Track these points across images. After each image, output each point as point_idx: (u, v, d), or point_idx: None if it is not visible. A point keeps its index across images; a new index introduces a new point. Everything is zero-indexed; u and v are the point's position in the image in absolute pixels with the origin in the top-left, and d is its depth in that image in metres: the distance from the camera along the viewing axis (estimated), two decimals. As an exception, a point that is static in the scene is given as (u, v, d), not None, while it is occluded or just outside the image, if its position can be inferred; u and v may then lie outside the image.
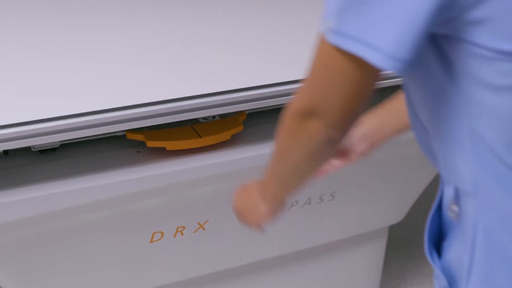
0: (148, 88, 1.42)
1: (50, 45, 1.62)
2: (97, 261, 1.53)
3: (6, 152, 1.43)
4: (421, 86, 0.85)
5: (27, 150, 1.42)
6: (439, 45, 0.79)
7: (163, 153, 1.45)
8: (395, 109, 1.20)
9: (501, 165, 0.80)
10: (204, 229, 1.59)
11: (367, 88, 0.81)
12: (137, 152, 1.48)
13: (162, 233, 1.55)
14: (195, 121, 1.51)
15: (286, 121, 0.91)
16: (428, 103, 0.85)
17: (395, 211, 1.88)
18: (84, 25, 1.75)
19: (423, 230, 1.00)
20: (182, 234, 1.57)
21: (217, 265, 1.68)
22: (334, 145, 0.88)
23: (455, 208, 0.89)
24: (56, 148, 1.45)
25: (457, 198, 0.88)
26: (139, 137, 1.45)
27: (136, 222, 1.51)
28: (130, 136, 1.45)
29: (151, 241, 1.55)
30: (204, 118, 1.52)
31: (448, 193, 0.90)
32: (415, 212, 2.27)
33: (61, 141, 1.41)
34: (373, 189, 1.77)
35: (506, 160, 0.80)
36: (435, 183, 1.31)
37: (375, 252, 1.97)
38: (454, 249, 0.92)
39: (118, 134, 1.48)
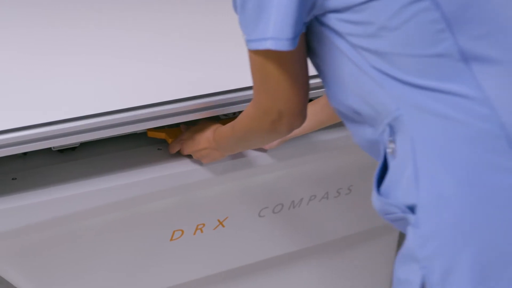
0: (168, 86, 1.41)
1: (64, 44, 1.61)
2: (117, 260, 1.51)
3: (25, 152, 1.42)
4: (323, 59, 1.06)
5: (46, 149, 1.40)
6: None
7: (184, 150, 1.44)
8: None
9: (406, 86, 0.98)
10: (223, 226, 1.58)
11: (295, 70, 1.03)
12: (158, 149, 1.47)
13: (182, 231, 1.54)
14: (216, 118, 1.50)
15: (251, 122, 1.14)
16: (335, 66, 1.05)
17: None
18: (98, 23, 1.73)
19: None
20: (201, 231, 1.56)
21: (236, 262, 1.67)
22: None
23: (392, 144, 1.03)
24: (76, 147, 1.43)
25: (392, 134, 1.02)
26: (160, 135, 1.43)
27: (157, 220, 1.50)
28: (151, 134, 1.44)
29: (171, 239, 1.54)
30: (224, 115, 1.51)
31: (384, 138, 1.05)
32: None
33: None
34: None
35: (407, 80, 0.98)
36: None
37: (389, 244, 1.97)
38: (396, 181, 1.03)
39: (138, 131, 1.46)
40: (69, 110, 1.29)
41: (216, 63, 1.52)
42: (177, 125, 1.45)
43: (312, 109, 1.40)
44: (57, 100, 1.35)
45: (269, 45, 0.99)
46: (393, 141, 1.03)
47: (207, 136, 1.37)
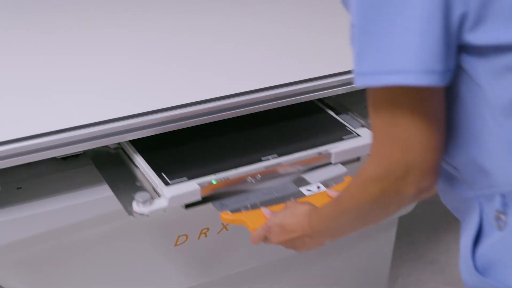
0: (171, 90, 1.39)
1: (68, 49, 1.57)
2: (122, 267, 1.50)
3: (28, 160, 1.38)
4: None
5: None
6: None
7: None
8: None
9: None
10: (227, 229, 1.56)
11: (436, 112, 0.82)
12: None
13: (187, 236, 1.52)
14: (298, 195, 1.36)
15: (367, 185, 0.89)
16: (452, 117, 0.87)
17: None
18: (100, 27, 1.70)
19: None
20: (206, 235, 1.55)
21: (241, 265, 1.66)
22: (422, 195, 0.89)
23: (503, 217, 0.88)
24: (79, 154, 1.40)
25: (504, 205, 0.88)
26: (239, 221, 1.24)
27: (161, 226, 1.48)
28: (226, 220, 1.26)
29: (176, 245, 1.52)
30: (308, 189, 1.35)
31: (491, 207, 0.90)
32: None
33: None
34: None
35: None
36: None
37: (386, 242, 1.98)
38: (503, 259, 0.90)
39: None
40: (74, 116, 1.26)
41: (225, 65, 1.50)
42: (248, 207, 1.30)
43: None
44: (61, 107, 1.32)
45: (406, 78, 0.77)
46: (504, 213, 0.88)
47: (300, 222, 1.11)
